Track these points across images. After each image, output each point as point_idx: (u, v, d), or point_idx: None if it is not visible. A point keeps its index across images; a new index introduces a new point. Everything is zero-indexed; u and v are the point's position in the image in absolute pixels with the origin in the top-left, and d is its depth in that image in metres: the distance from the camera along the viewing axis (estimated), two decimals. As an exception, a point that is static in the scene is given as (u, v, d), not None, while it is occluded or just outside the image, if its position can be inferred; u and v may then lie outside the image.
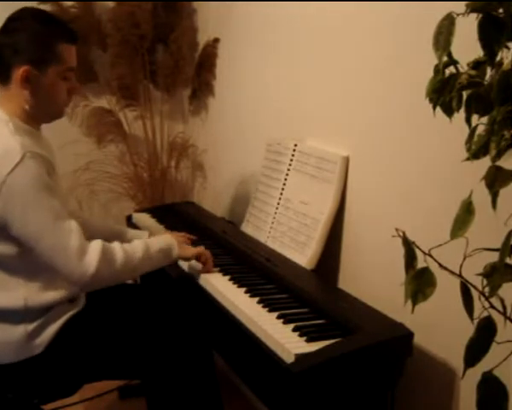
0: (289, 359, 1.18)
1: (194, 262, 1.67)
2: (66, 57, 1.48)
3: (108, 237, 1.67)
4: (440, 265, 0.75)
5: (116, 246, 1.47)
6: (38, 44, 1.44)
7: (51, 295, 1.46)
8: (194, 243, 1.77)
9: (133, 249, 1.49)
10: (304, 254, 1.67)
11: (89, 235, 1.65)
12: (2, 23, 1.48)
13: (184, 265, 1.72)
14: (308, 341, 1.24)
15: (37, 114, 1.49)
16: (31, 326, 1.43)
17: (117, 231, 1.82)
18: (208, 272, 1.64)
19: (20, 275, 1.43)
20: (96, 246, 1.41)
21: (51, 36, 1.45)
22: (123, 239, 1.81)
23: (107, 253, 1.42)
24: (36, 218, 1.35)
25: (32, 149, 1.37)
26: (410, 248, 0.76)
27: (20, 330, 1.43)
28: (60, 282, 1.47)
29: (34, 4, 2.38)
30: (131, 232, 1.86)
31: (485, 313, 0.73)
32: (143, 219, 2.23)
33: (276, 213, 1.85)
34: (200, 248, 1.66)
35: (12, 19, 1.48)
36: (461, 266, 0.75)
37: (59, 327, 1.47)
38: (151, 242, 1.56)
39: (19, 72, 1.42)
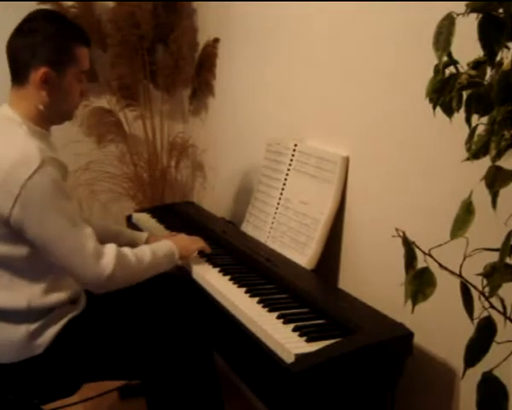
0: (289, 359, 1.18)
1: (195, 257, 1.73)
2: (81, 59, 1.50)
3: (107, 238, 1.70)
4: (440, 265, 0.75)
5: (127, 250, 1.51)
6: (56, 46, 1.45)
7: (54, 297, 1.47)
8: None
9: (142, 254, 1.54)
10: (304, 254, 1.67)
11: None
12: (17, 25, 1.49)
13: (184, 263, 1.73)
14: (308, 341, 1.24)
15: (51, 116, 1.50)
16: (32, 326, 1.44)
17: (115, 231, 1.84)
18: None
19: (24, 277, 1.44)
20: (111, 249, 1.45)
21: (68, 38, 1.47)
22: (121, 240, 1.83)
23: (122, 256, 1.47)
24: (54, 222, 1.37)
25: (48, 154, 1.39)
26: (410, 248, 0.76)
27: (22, 329, 1.43)
28: (63, 284, 1.49)
29: (34, 4, 2.39)
30: (129, 233, 1.88)
31: (485, 313, 0.73)
32: (143, 219, 2.23)
33: (276, 213, 1.85)
34: (198, 244, 1.74)
35: (27, 20, 1.49)
36: (461, 266, 0.75)
37: (60, 328, 1.48)
38: (156, 247, 1.60)
39: (38, 73, 1.43)
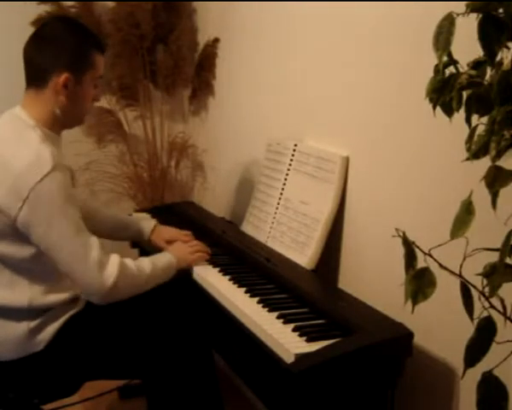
0: (289, 359, 1.18)
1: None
2: (97, 65, 1.53)
3: (114, 228, 1.82)
4: (440, 265, 0.75)
5: (129, 261, 1.51)
6: (77, 52, 1.48)
7: (55, 297, 1.48)
8: None
9: (143, 267, 1.54)
10: (304, 254, 1.67)
11: (95, 223, 1.75)
12: (35, 30, 1.52)
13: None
14: (308, 341, 1.24)
15: (65, 120, 1.52)
16: (33, 323, 1.45)
17: (124, 222, 1.88)
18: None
19: (25, 277, 1.45)
20: (114, 260, 1.45)
21: (87, 44, 1.51)
22: (129, 231, 1.88)
23: (124, 267, 1.47)
24: (60, 228, 1.38)
25: (60, 160, 1.41)
26: (410, 248, 0.76)
27: (23, 326, 1.45)
28: (63, 285, 1.50)
29: (34, 4, 2.39)
30: (137, 224, 1.90)
31: (485, 313, 0.73)
32: (143, 219, 2.22)
33: (276, 213, 1.85)
34: (196, 255, 1.70)
35: (46, 26, 1.53)
36: (461, 266, 0.75)
37: (60, 325, 1.49)
38: (156, 260, 1.60)
39: (59, 78, 1.45)
